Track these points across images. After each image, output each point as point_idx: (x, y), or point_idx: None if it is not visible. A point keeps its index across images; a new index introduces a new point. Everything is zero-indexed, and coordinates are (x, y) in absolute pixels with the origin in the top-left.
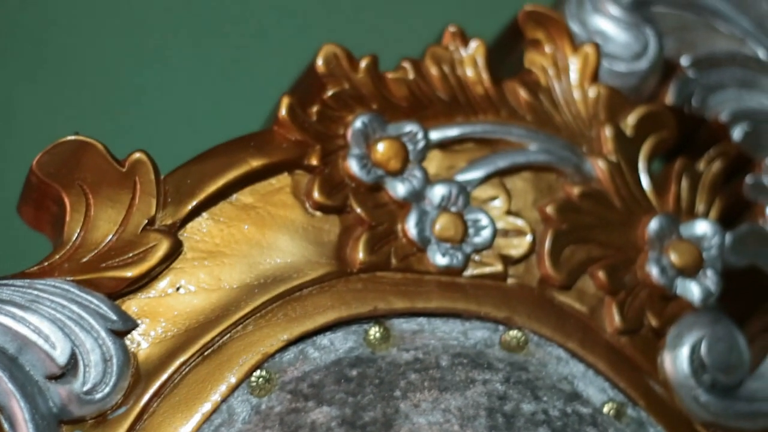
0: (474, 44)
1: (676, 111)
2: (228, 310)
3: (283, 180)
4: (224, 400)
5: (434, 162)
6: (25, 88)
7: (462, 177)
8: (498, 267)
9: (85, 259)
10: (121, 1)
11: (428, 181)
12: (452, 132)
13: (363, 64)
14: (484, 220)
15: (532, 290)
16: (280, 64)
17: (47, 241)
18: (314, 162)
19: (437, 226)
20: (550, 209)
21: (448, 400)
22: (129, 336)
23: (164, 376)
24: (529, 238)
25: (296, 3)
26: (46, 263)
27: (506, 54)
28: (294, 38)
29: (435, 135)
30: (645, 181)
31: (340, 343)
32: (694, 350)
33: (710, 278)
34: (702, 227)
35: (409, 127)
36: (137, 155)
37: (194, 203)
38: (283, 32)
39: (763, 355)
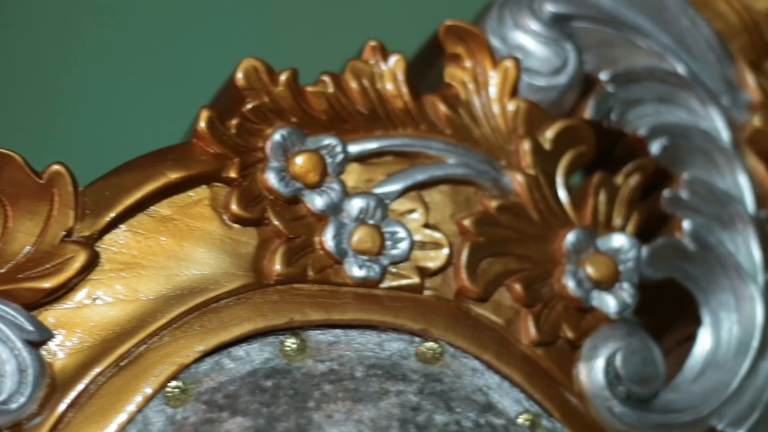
0: (394, 58)
1: (596, 125)
2: (144, 321)
3: (201, 192)
4: (140, 410)
5: (353, 175)
6: None
7: (380, 190)
8: (415, 279)
9: (2, 270)
10: (39, 10)
11: (346, 193)
12: (371, 145)
13: (283, 77)
14: (401, 233)
15: (449, 302)
16: (200, 77)
17: None
18: (233, 174)
19: (354, 239)
20: (467, 222)
21: (361, 411)
22: (45, 346)
23: (80, 387)
24: (446, 250)
25: (217, 16)
26: None
27: (427, 68)
28: (215, 51)
29: (354, 148)
30: (563, 195)
31: (256, 354)
32: (609, 362)
33: (626, 291)
34: (619, 240)
35: (328, 141)
36: (55, 167)
37: (112, 215)
38: (204, 45)
39: (678, 367)
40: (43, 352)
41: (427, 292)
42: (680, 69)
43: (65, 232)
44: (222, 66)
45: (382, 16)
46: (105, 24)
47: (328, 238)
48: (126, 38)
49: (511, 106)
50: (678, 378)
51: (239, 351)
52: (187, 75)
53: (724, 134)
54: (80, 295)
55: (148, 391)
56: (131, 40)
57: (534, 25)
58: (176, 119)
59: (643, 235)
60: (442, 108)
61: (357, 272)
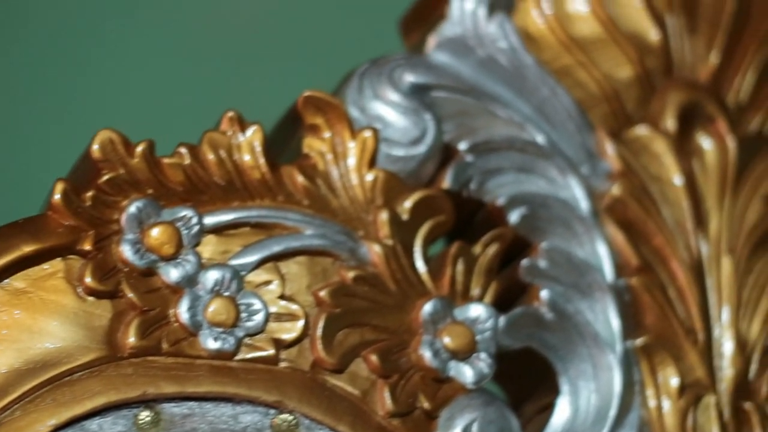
0: (251, 129)
1: (455, 195)
2: None
3: (56, 265)
4: None
5: (209, 246)
6: None
7: (236, 261)
8: (270, 351)
9: None
10: None
11: (202, 265)
12: (227, 217)
13: (139, 149)
14: (257, 305)
15: (304, 374)
16: (59, 149)
17: None
18: (87, 247)
19: (209, 311)
20: (323, 293)
21: None
22: None
23: None
24: (302, 322)
25: (76, 89)
26: None
27: (287, 139)
28: (74, 124)
29: (210, 220)
30: (420, 265)
31: (109, 427)
32: None
33: (483, 361)
34: (476, 310)
35: (184, 212)
36: None
37: None
38: (64, 117)
39: None
40: None
41: (282, 364)
42: (540, 138)
43: None
44: (82, 138)
45: (243, 86)
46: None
47: (182, 311)
48: None
49: (369, 177)
50: None
51: (92, 425)
52: (45, 145)
53: (583, 203)
54: None
55: None
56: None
57: (393, 96)
58: (36, 191)
59: (503, 304)
60: (300, 179)
61: (212, 344)
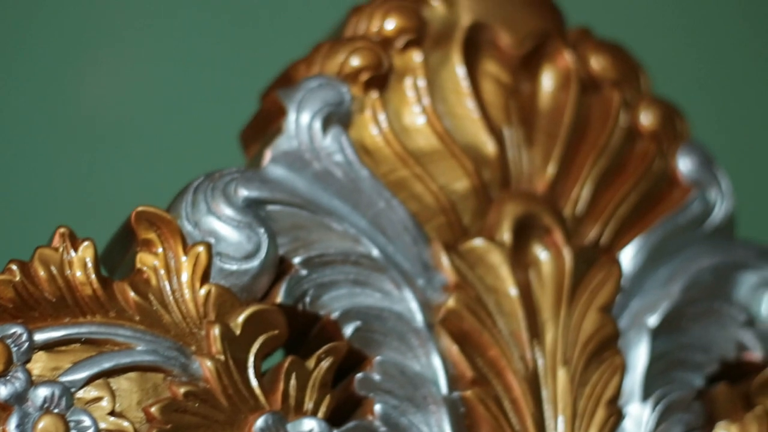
0: (84, 245)
1: (289, 309)
2: None
3: None
4: None
5: (39, 363)
6: None
7: (66, 378)
8: None
9: None
10: None
11: (32, 382)
12: (58, 333)
13: None
14: (86, 422)
15: None
16: None
17: None
18: None
19: (39, 428)
20: (154, 409)
21: None
22: None
23: None
24: None
25: None
26: None
27: (122, 254)
28: None
29: (40, 336)
30: (253, 380)
31: None
32: None
33: None
34: (309, 425)
35: (14, 329)
36: None
37: None
38: None
39: None
40: None
41: None
42: (375, 251)
43: None
44: None
45: (78, 199)
46: None
47: (11, 428)
48: None
49: (202, 292)
50: None
51: None
52: None
53: (419, 316)
54: None
55: None
56: None
57: (227, 210)
58: None
59: (338, 418)
60: (132, 294)
61: None
